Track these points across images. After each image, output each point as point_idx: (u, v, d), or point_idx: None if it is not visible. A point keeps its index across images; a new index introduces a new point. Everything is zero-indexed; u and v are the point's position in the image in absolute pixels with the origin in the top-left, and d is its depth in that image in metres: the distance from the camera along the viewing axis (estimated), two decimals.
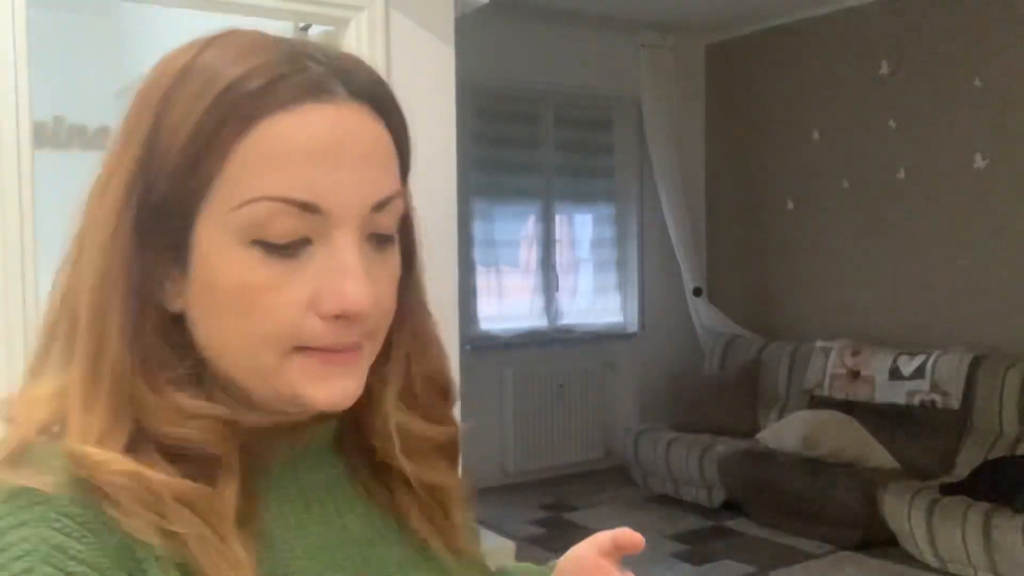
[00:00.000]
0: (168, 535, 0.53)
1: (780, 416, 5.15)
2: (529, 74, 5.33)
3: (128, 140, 0.60)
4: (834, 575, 4.04)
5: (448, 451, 0.71)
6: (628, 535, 0.69)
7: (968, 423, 4.42)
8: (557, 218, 5.76)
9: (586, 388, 5.72)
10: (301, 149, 0.56)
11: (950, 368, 4.48)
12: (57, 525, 0.52)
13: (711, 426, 5.23)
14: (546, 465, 5.54)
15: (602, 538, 0.70)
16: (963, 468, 4.25)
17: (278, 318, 0.57)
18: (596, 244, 5.96)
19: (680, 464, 5.04)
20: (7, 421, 0.58)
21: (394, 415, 0.66)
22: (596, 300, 5.91)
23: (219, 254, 0.57)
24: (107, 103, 5.72)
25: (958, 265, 4.75)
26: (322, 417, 0.64)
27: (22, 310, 2.28)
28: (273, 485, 0.62)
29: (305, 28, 3.03)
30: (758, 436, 4.97)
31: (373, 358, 0.63)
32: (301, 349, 0.58)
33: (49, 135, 5.49)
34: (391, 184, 0.60)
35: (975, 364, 4.43)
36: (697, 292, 5.90)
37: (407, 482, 0.68)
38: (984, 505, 3.77)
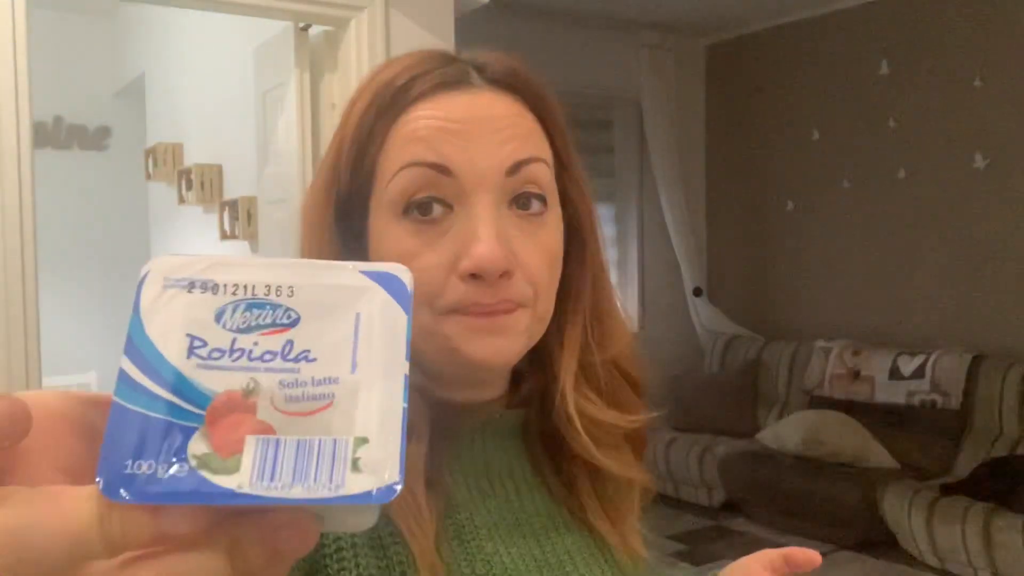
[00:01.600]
0: None
1: (780, 416, 5.15)
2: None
3: (329, 149, 0.69)
4: (834, 575, 4.04)
5: (635, 442, 0.75)
6: (804, 553, 0.71)
7: (968, 423, 4.42)
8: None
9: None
10: (436, 126, 0.63)
11: (950, 368, 4.48)
12: None
13: (711, 426, 5.23)
14: None
15: (772, 554, 0.73)
16: (963, 468, 4.25)
17: (425, 280, 0.61)
18: None
19: (680, 464, 5.04)
20: None
21: (573, 396, 0.68)
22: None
23: (383, 231, 0.64)
24: (107, 103, 5.74)
25: (958, 265, 4.75)
26: (511, 402, 0.70)
27: (22, 309, 2.28)
28: (461, 458, 0.66)
29: (305, 28, 3.03)
30: (758, 436, 4.97)
31: (536, 329, 0.66)
32: (455, 311, 0.63)
33: (49, 135, 5.50)
34: (528, 149, 0.65)
35: (975, 364, 4.43)
36: (697, 292, 5.90)
37: (590, 475, 0.70)
38: (984, 505, 3.77)
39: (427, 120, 0.64)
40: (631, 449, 0.74)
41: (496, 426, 0.69)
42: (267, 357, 0.32)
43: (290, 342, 0.32)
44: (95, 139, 5.73)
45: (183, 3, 3.01)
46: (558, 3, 5.16)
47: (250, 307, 0.32)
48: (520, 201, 0.64)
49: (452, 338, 0.63)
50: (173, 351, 0.31)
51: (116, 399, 0.30)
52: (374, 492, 0.30)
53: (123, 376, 0.31)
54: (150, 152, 4.87)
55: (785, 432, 4.75)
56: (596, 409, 0.69)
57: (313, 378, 0.32)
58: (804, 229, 5.51)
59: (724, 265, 6.02)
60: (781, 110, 5.60)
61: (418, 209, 0.63)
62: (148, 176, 4.92)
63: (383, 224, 0.64)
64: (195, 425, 0.30)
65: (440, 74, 0.66)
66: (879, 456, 4.50)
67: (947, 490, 3.97)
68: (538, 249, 0.65)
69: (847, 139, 5.24)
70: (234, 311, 0.32)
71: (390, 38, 2.87)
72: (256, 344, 0.32)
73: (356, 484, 0.30)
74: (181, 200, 4.48)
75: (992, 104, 4.57)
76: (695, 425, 5.26)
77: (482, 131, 0.63)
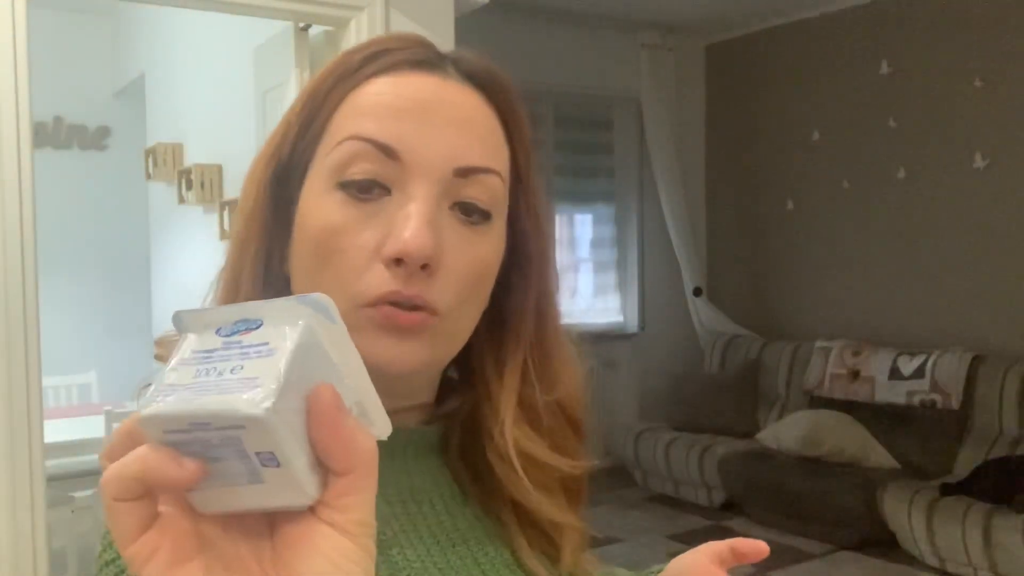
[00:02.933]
0: None
1: (780, 416, 5.15)
2: (529, 74, 5.33)
3: (281, 119, 0.66)
4: (834, 575, 4.04)
5: (571, 490, 0.70)
6: (751, 543, 0.68)
7: (968, 423, 4.42)
8: (557, 218, 5.76)
9: (586, 388, 5.71)
10: (391, 102, 0.60)
11: (950, 368, 4.48)
12: None
13: (711, 426, 5.23)
14: None
15: (719, 546, 0.70)
16: (963, 468, 4.25)
17: (350, 262, 0.58)
18: (596, 244, 5.96)
19: (680, 464, 5.04)
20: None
21: (513, 434, 0.64)
22: (596, 300, 5.92)
23: (313, 200, 0.60)
24: (107, 103, 5.73)
25: (958, 265, 4.75)
26: (432, 417, 0.66)
27: (22, 309, 2.28)
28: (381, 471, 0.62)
29: (305, 28, 3.03)
30: (758, 436, 4.97)
31: (443, 348, 0.62)
32: (372, 305, 0.59)
33: (49, 135, 5.50)
34: (484, 157, 0.61)
35: (975, 364, 4.43)
36: (697, 292, 5.90)
37: (515, 510, 0.66)
38: (984, 505, 3.77)
39: (385, 95, 0.60)
40: (566, 497, 0.69)
41: (417, 441, 0.66)
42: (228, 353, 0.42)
43: (248, 343, 0.42)
44: (95, 139, 5.73)
45: (183, 3, 3.00)
46: (558, 3, 5.16)
47: (238, 327, 0.43)
48: (463, 207, 0.60)
49: (365, 337, 0.58)
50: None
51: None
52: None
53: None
54: (150, 152, 4.87)
55: (785, 432, 4.75)
56: (537, 449, 0.66)
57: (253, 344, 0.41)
58: (804, 229, 5.51)
59: (724, 265, 6.02)
60: (781, 110, 5.60)
61: (356, 186, 0.59)
62: (148, 176, 4.92)
63: (315, 191, 0.61)
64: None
65: (412, 52, 0.63)
66: (879, 456, 4.50)
67: (947, 490, 3.97)
68: (468, 258, 0.60)
69: (847, 139, 5.24)
70: (225, 329, 0.43)
71: None
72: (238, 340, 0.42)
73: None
74: (181, 200, 4.48)
75: (992, 104, 4.57)
76: (695, 425, 5.26)
77: (441, 117, 0.60)
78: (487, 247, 0.62)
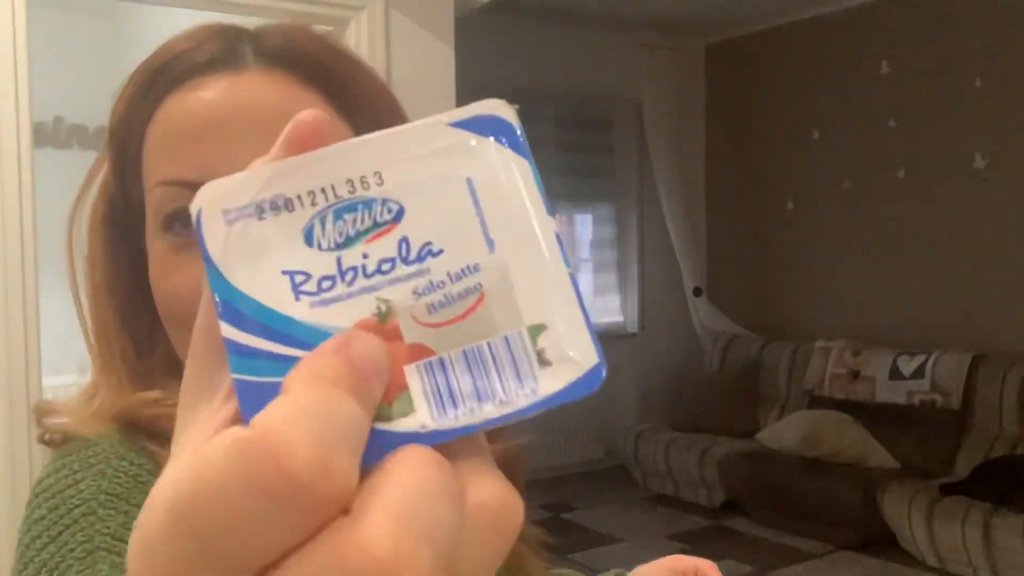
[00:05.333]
0: None
1: (780, 416, 5.15)
2: (529, 74, 5.33)
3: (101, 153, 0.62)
4: (834, 575, 4.04)
5: (508, 468, 0.68)
6: (708, 571, 0.67)
7: (968, 423, 4.42)
8: (557, 218, 5.73)
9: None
10: (190, 125, 0.53)
11: (950, 368, 4.48)
12: (116, 479, 0.54)
13: (711, 426, 5.23)
14: (546, 465, 5.54)
15: (685, 562, 0.69)
16: (963, 468, 4.25)
17: (186, 304, 0.52)
18: (596, 244, 5.96)
19: (680, 464, 5.04)
20: (38, 424, 0.62)
21: None
22: (596, 300, 5.91)
23: (151, 247, 0.56)
24: (107, 103, 5.73)
25: (958, 265, 4.75)
26: None
27: (22, 308, 2.28)
28: None
29: None
30: (758, 436, 4.97)
31: None
32: None
33: (49, 135, 5.50)
34: None
35: (975, 364, 4.43)
36: (697, 292, 5.90)
37: None
38: (984, 505, 3.77)
39: (176, 120, 0.54)
40: (506, 472, 0.67)
41: None
42: (385, 267, 0.26)
43: (404, 240, 0.26)
44: (95, 139, 5.73)
45: (183, 3, 3.00)
46: (558, 3, 5.16)
47: (340, 213, 0.26)
48: None
49: None
50: (276, 297, 0.25)
51: (236, 376, 0.24)
52: (577, 382, 0.25)
53: (232, 346, 0.25)
54: None
55: (785, 432, 4.75)
56: None
57: (449, 273, 0.26)
58: (804, 229, 5.51)
59: (724, 265, 6.02)
60: (781, 110, 5.60)
61: (174, 230, 0.54)
62: None
63: (150, 239, 0.56)
64: None
65: (201, 52, 0.55)
66: (879, 456, 4.50)
67: (947, 490, 3.97)
68: None
69: (847, 139, 5.24)
70: (323, 224, 0.26)
71: (390, 38, 2.87)
72: (366, 256, 0.26)
73: (553, 380, 0.25)
74: None
75: (992, 104, 4.57)
76: (695, 425, 5.26)
77: (247, 126, 0.52)
78: None
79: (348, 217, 0.26)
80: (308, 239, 0.25)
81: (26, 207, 2.28)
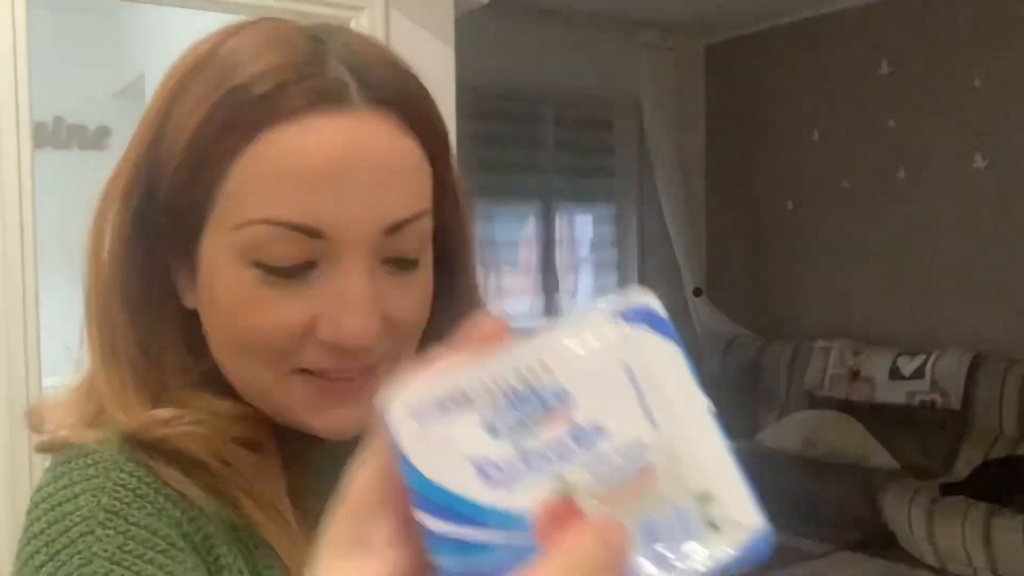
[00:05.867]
0: (221, 496, 0.54)
1: (780, 416, 5.15)
2: (529, 74, 5.33)
3: (141, 130, 0.58)
4: (834, 575, 4.04)
5: None
6: None
7: (968, 423, 4.41)
8: (557, 218, 5.75)
9: None
10: (304, 168, 0.51)
11: (950, 368, 4.48)
12: (116, 494, 0.53)
13: None
14: None
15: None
16: (963, 468, 4.25)
17: (270, 340, 0.53)
18: (596, 244, 5.95)
19: None
20: (34, 429, 0.62)
21: None
22: (596, 300, 5.90)
23: (221, 268, 0.54)
24: (107, 103, 5.73)
25: (958, 265, 4.75)
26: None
27: (22, 308, 2.28)
28: (321, 476, 0.57)
29: None
30: (758, 436, 4.97)
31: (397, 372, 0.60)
32: (302, 371, 0.55)
33: (49, 135, 5.50)
34: (411, 204, 0.55)
35: (975, 364, 4.42)
36: (697, 292, 5.90)
37: None
38: (984, 505, 3.76)
39: (294, 160, 0.51)
40: None
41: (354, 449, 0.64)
42: (561, 450, 0.28)
43: (574, 424, 0.28)
44: (95, 139, 5.74)
45: (183, 3, 3.00)
46: (558, 3, 5.16)
47: (514, 404, 0.29)
48: (395, 262, 0.55)
49: (295, 406, 0.55)
50: (468, 486, 0.28)
51: (442, 565, 0.27)
52: (747, 545, 0.28)
53: (434, 537, 0.27)
54: None
55: (785, 432, 4.75)
56: None
57: (619, 452, 0.29)
58: (804, 229, 5.51)
59: (724, 265, 6.02)
60: (781, 110, 5.59)
61: (278, 272, 0.53)
62: None
63: (222, 258, 0.54)
64: (533, 554, 0.27)
65: (313, 86, 0.52)
66: (879, 456, 4.49)
67: (947, 490, 3.97)
68: (411, 302, 0.57)
69: (847, 139, 5.24)
70: (501, 415, 0.28)
71: (390, 38, 2.87)
72: (542, 441, 0.28)
73: (723, 544, 0.28)
74: None
75: (992, 104, 4.57)
76: None
77: (361, 176, 0.52)
78: (421, 288, 0.58)
79: (523, 406, 0.29)
80: (488, 429, 0.28)
81: (26, 207, 2.28)
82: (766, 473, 4.83)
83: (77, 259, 0.64)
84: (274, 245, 0.52)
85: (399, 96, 0.55)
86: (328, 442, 0.57)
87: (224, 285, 0.54)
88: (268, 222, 0.52)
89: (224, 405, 0.56)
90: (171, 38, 4.80)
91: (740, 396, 5.35)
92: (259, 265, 0.53)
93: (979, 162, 4.63)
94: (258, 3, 2.74)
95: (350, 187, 0.52)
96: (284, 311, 0.53)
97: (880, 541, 4.17)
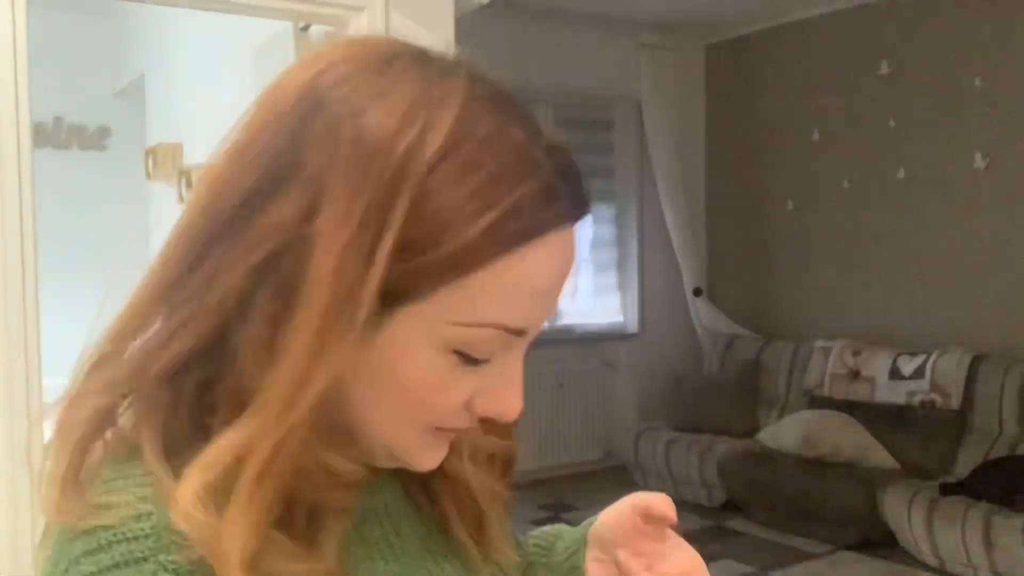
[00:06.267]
0: None
1: (780, 416, 5.15)
2: (529, 74, 5.33)
3: (370, 207, 0.50)
4: (834, 575, 4.04)
5: (500, 464, 0.71)
6: (662, 506, 0.68)
7: (968, 423, 4.41)
8: None
9: (586, 388, 5.72)
10: (544, 285, 0.54)
11: (950, 368, 4.48)
12: None
13: (711, 426, 5.23)
14: (545, 465, 5.54)
15: (639, 501, 0.70)
16: (963, 468, 4.25)
17: (439, 411, 0.56)
18: (596, 244, 5.95)
19: (680, 464, 5.04)
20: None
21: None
22: (596, 300, 5.91)
23: (412, 347, 0.53)
24: (107, 103, 5.73)
25: (958, 265, 4.75)
26: None
27: (22, 308, 2.28)
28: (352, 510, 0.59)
29: (305, 28, 3.03)
30: (758, 436, 4.97)
31: None
32: (438, 429, 0.59)
33: (49, 135, 5.50)
34: None
35: (975, 364, 4.42)
36: (697, 292, 5.90)
37: (453, 490, 0.67)
38: (984, 505, 3.77)
39: (539, 276, 0.54)
40: (497, 467, 0.70)
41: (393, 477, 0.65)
42: None
43: None
44: (95, 139, 5.74)
45: (183, 3, 3.00)
46: (558, 3, 5.16)
47: None
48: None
49: (414, 449, 0.58)
50: None
51: None
52: None
53: None
54: (150, 152, 4.87)
55: (785, 432, 4.75)
56: (474, 432, 0.67)
57: None
58: (804, 229, 5.51)
59: (724, 265, 6.02)
60: (781, 110, 5.60)
61: (475, 361, 0.55)
62: (148, 176, 4.92)
63: (417, 337, 0.53)
64: None
65: (562, 207, 0.54)
66: (879, 456, 4.49)
67: (947, 490, 3.97)
68: None
69: (847, 139, 5.24)
70: None
71: None
72: None
73: None
74: (181, 200, 4.48)
75: (992, 104, 4.57)
76: (695, 425, 5.26)
77: (563, 285, 0.57)
78: None
79: None
80: None
81: (26, 207, 2.28)
82: (766, 473, 4.87)
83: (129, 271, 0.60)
84: (485, 343, 0.54)
85: (585, 208, 0.58)
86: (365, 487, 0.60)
87: (412, 363, 0.54)
88: (496, 327, 0.54)
89: (352, 469, 0.57)
90: (171, 38, 4.80)
91: (740, 396, 5.35)
92: (460, 354, 0.54)
93: (979, 162, 4.63)
94: (258, 3, 2.73)
95: (557, 295, 0.56)
96: (459, 390, 0.56)
97: (880, 541, 4.17)
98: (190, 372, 0.54)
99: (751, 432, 5.11)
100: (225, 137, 0.56)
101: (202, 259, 0.53)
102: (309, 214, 0.50)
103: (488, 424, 0.65)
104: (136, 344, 0.55)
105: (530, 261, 0.53)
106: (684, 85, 5.93)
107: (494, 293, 0.52)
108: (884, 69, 5.02)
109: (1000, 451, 4.21)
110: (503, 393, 0.57)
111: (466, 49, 0.59)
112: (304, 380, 0.50)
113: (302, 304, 0.50)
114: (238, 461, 0.50)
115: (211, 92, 4.34)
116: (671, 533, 0.69)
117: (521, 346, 0.57)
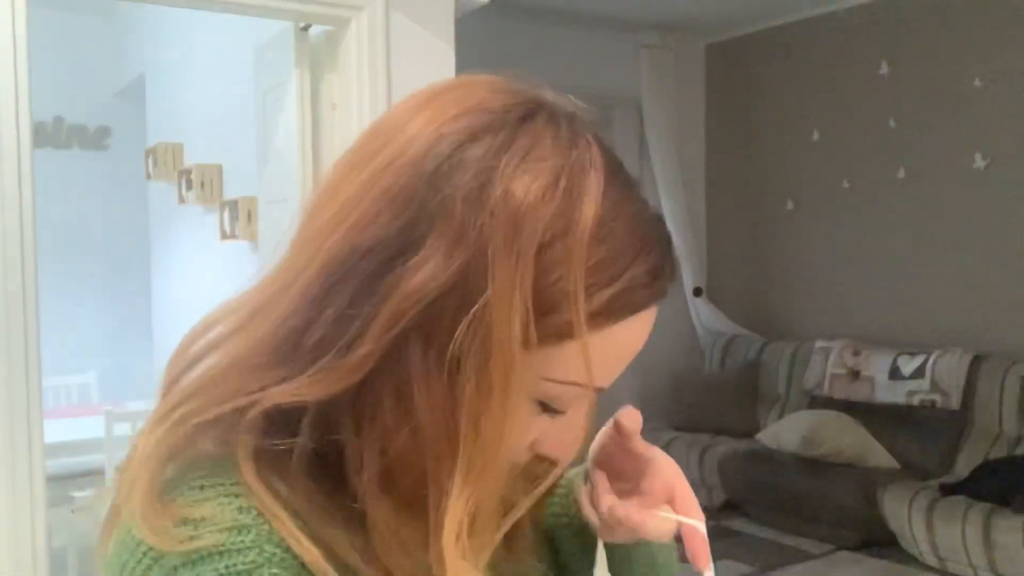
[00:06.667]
0: None
1: (780, 416, 5.15)
2: (529, 74, 5.32)
3: (525, 274, 0.50)
4: (834, 575, 4.04)
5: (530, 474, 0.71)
6: (625, 424, 0.70)
7: (968, 423, 4.42)
8: None
9: None
10: (629, 352, 0.58)
11: (950, 368, 4.48)
12: None
13: (711, 426, 5.23)
14: None
15: (612, 420, 0.72)
16: (963, 468, 4.25)
17: (507, 450, 0.55)
18: None
19: (680, 464, 4.96)
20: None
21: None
22: None
23: (517, 402, 0.54)
24: (107, 103, 5.74)
25: (958, 265, 4.75)
26: None
27: (22, 308, 2.28)
28: None
29: (305, 28, 3.03)
30: (758, 436, 4.97)
31: None
32: None
33: (49, 135, 5.50)
34: None
35: (975, 364, 4.43)
36: (697, 292, 5.90)
37: None
38: (984, 505, 3.77)
39: (625, 344, 0.56)
40: (525, 478, 0.72)
41: None
42: None
43: None
44: (95, 139, 5.74)
45: (183, 3, 3.01)
46: (558, 3, 5.16)
47: None
48: None
49: None
50: None
51: None
52: None
53: None
54: (150, 152, 4.87)
55: (785, 432, 4.75)
56: None
57: None
58: (804, 229, 5.51)
59: (724, 265, 6.02)
60: (781, 110, 5.60)
61: (553, 411, 0.57)
62: (148, 176, 4.93)
63: (518, 395, 0.53)
64: None
65: (662, 285, 0.57)
66: (879, 456, 4.49)
67: (947, 490, 3.97)
68: None
69: (847, 139, 5.24)
70: None
71: (390, 38, 2.87)
72: None
73: None
74: (181, 200, 4.48)
75: (992, 104, 4.57)
76: (695, 425, 5.26)
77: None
78: None
79: None
80: None
81: (26, 207, 2.29)
82: (766, 473, 4.87)
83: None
84: (568, 398, 0.56)
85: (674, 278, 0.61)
86: None
87: (515, 421, 0.54)
88: (583, 387, 0.55)
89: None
90: (171, 38, 4.80)
91: (740, 396, 5.35)
92: (542, 404, 0.56)
93: (979, 162, 4.63)
94: (258, 3, 2.74)
95: (628, 362, 0.59)
96: (530, 433, 0.58)
97: (880, 541, 4.17)
98: (302, 414, 0.53)
99: (751, 432, 5.11)
100: (338, 170, 0.56)
101: (333, 300, 0.52)
102: (465, 278, 0.50)
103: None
104: (248, 377, 0.53)
105: (629, 332, 0.56)
106: (684, 85, 5.93)
107: (595, 350, 0.54)
108: (884, 69, 5.02)
109: (1000, 451, 4.21)
110: (566, 439, 0.59)
111: (590, 112, 0.60)
112: (510, 443, 0.54)
113: (489, 369, 0.51)
114: (473, 525, 0.52)
115: (211, 92, 4.34)
116: (651, 446, 0.72)
117: (594, 399, 0.60)
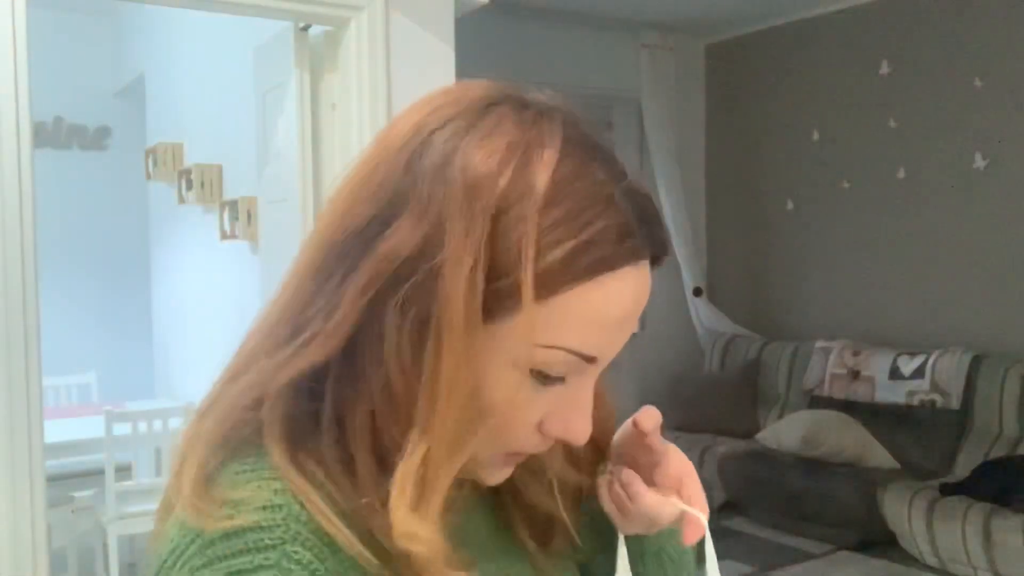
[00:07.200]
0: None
1: (780, 416, 5.15)
2: (529, 74, 5.33)
3: (479, 238, 0.54)
4: (834, 575, 4.04)
5: (575, 493, 0.73)
6: (644, 423, 0.71)
7: (968, 423, 4.42)
8: None
9: None
10: (616, 317, 0.58)
11: (950, 368, 4.48)
12: None
13: (711, 426, 5.23)
14: None
15: (634, 417, 0.73)
16: (963, 468, 4.25)
17: (514, 431, 0.59)
18: None
19: None
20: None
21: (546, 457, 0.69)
22: None
23: (494, 368, 0.57)
24: (107, 103, 5.74)
25: (958, 265, 4.75)
26: None
27: (22, 309, 2.28)
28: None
29: (305, 28, 3.03)
30: (758, 436, 4.97)
31: None
32: (513, 453, 0.62)
33: (49, 135, 5.51)
34: None
35: (975, 364, 4.43)
36: (697, 292, 5.90)
37: (524, 505, 0.70)
38: (984, 505, 3.77)
39: (611, 306, 0.57)
40: (570, 497, 0.74)
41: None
42: None
43: None
44: (95, 139, 5.74)
45: (183, 3, 3.01)
46: (558, 3, 5.16)
47: None
48: None
49: (483, 470, 0.62)
50: None
51: None
52: None
53: None
54: (150, 152, 4.87)
55: (785, 432, 4.75)
56: (558, 466, 0.71)
57: None
58: (804, 229, 5.51)
59: (724, 265, 6.02)
60: (781, 110, 5.60)
61: (547, 379, 0.58)
62: (148, 176, 4.93)
63: (497, 359, 0.56)
64: None
65: (647, 239, 0.58)
66: (879, 456, 4.50)
67: (947, 490, 3.97)
68: None
69: (847, 139, 5.24)
70: None
71: (390, 38, 2.87)
72: None
73: None
74: (181, 200, 4.48)
75: (992, 104, 4.57)
76: (695, 425, 5.26)
77: (635, 321, 0.60)
78: None
79: None
80: None
81: (26, 207, 2.29)
82: (766, 473, 4.86)
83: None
84: (560, 365, 0.58)
85: (662, 249, 0.61)
86: None
87: (494, 384, 0.57)
88: (571, 352, 0.57)
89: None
90: (171, 38, 4.80)
91: (740, 396, 5.35)
92: (536, 374, 0.58)
93: (979, 162, 4.63)
94: (258, 3, 2.74)
95: (628, 329, 0.60)
96: (533, 410, 0.59)
97: (880, 541, 4.17)
98: (312, 383, 0.57)
99: (751, 432, 5.11)
100: (343, 176, 0.61)
101: (327, 280, 0.57)
102: (428, 243, 0.54)
103: (574, 459, 0.71)
104: (265, 362, 0.58)
105: (603, 292, 0.56)
106: (684, 85, 5.93)
107: (568, 319, 0.56)
108: (884, 69, 5.02)
109: (1000, 451, 4.21)
110: (571, 416, 0.60)
111: (558, 97, 0.61)
112: (460, 399, 0.55)
113: (439, 324, 0.54)
114: (423, 477, 0.55)
115: (211, 92, 4.34)
116: (666, 442, 0.74)
117: (592, 373, 0.60)
